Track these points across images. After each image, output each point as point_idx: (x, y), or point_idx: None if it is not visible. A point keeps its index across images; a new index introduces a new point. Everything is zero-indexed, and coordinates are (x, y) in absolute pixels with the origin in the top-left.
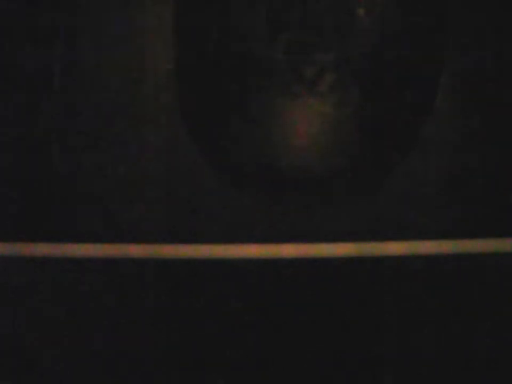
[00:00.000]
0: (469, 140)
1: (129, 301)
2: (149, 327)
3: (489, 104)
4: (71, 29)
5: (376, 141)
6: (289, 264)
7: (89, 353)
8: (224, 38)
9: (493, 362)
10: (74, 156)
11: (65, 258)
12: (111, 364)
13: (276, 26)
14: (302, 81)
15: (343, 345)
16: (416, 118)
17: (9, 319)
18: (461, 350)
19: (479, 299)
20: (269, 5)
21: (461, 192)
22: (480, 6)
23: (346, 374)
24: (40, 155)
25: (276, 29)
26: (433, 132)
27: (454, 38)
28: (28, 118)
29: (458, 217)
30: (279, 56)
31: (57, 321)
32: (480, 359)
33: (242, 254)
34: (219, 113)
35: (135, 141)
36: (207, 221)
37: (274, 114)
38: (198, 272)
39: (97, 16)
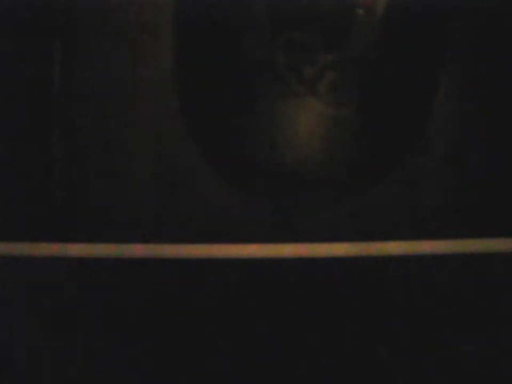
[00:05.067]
0: (469, 140)
1: (128, 301)
2: (148, 325)
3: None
4: None
5: (376, 141)
6: (289, 264)
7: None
8: (224, 39)
9: (497, 362)
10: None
11: (66, 258)
12: (111, 364)
13: (276, 26)
14: (302, 81)
15: (343, 344)
16: (416, 118)
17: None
18: (459, 350)
19: (478, 298)
20: (269, 6)
21: (462, 192)
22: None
23: (346, 374)
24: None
25: (276, 29)
26: (434, 132)
27: (456, 39)
28: (29, 114)
29: (459, 217)
30: (279, 57)
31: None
32: (480, 359)
33: (242, 254)
34: (219, 114)
35: (135, 142)
36: (207, 221)
37: (275, 114)
38: (198, 272)
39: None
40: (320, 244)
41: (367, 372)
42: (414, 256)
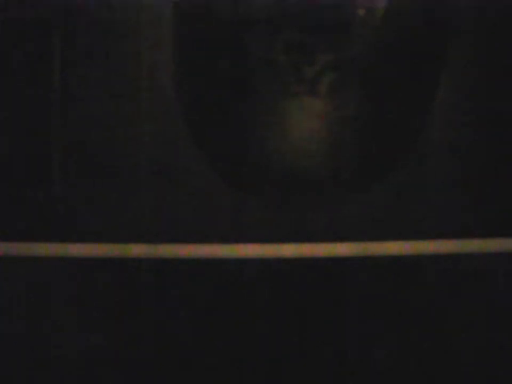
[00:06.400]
0: (469, 141)
1: (127, 301)
2: (148, 325)
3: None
4: None
5: (376, 141)
6: (289, 264)
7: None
8: (224, 38)
9: (497, 359)
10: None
11: (66, 258)
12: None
13: (276, 26)
14: (302, 81)
15: (342, 344)
16: (416, 118)
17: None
18: (458, 351)
19: (478, 298)
20: (269, 6)
21: (462, 192)
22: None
23: (345, 374)
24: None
25: (276, 29)
26: (434, 132)
27: (456, 37)
28: (30, 114)
29: (459, 217)
30: (279, 56)
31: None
32: (479, 355)
33: (242, 254)
34: (219, 114)
35: (135, 142)
36: (207, 221)
37: (274, 114)
38: (198, 272)
39: None
40: (320, 244)
41: (368, 373)
42: (414, 256)
